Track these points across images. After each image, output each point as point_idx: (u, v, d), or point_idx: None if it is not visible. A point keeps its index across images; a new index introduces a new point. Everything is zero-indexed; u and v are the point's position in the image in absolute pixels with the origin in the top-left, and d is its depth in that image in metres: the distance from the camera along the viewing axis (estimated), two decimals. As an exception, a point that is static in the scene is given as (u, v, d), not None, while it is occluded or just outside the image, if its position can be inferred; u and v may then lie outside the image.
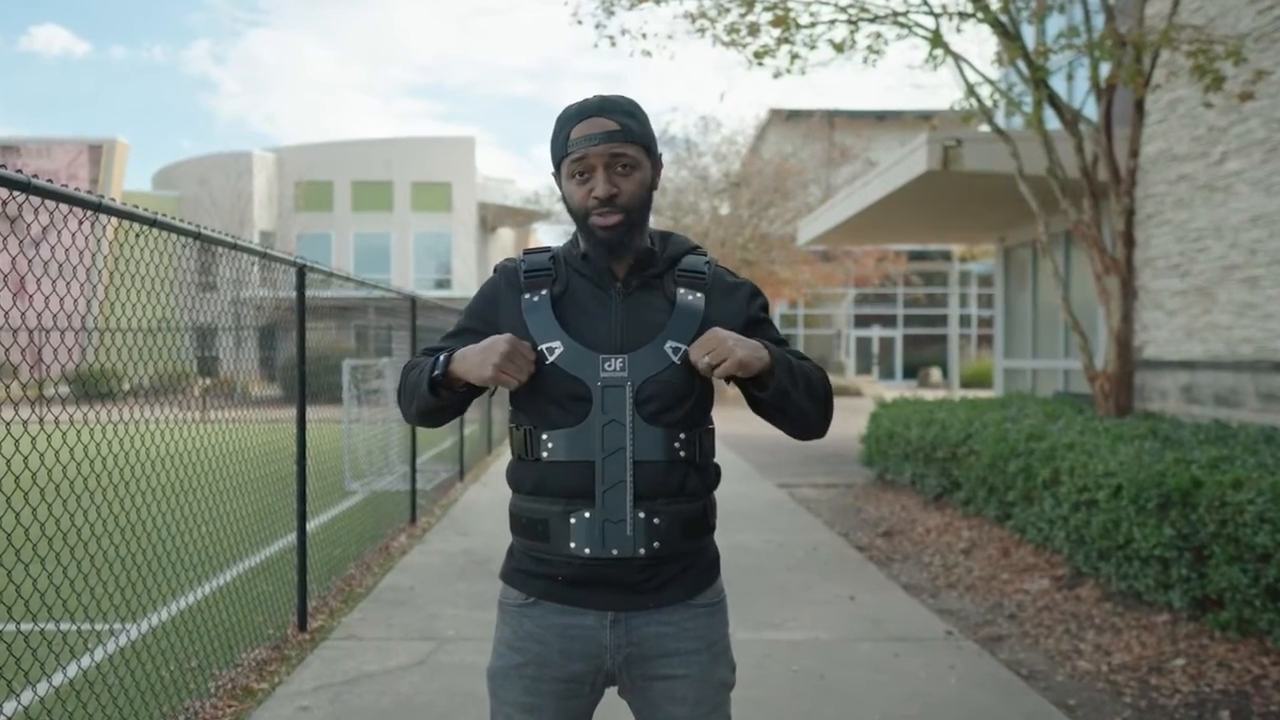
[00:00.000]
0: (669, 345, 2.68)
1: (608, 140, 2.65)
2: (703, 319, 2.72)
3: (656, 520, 2.65)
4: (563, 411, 2.68)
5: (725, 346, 2.58)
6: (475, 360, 2.61)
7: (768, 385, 2.65)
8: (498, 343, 2.60)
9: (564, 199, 2.76)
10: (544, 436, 2.69)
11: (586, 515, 2.64)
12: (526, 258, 2.85)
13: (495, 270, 2.91)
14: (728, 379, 2.64)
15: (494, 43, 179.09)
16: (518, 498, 2.79)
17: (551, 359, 2.67)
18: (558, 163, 2.76)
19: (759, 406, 2.77)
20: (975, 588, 8.88)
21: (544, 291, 2.76)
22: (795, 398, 2.70)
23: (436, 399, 2.72)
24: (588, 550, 2.65)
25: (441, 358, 2.70)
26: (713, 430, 2.81)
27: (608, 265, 2.75)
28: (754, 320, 2.81)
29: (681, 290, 2.75)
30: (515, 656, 2.77)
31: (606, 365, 2.66)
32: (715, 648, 2.80)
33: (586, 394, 2.66)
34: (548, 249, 2.89)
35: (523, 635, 2.76)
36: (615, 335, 2.71)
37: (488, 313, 2.82)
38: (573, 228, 2.84)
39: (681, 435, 2.69)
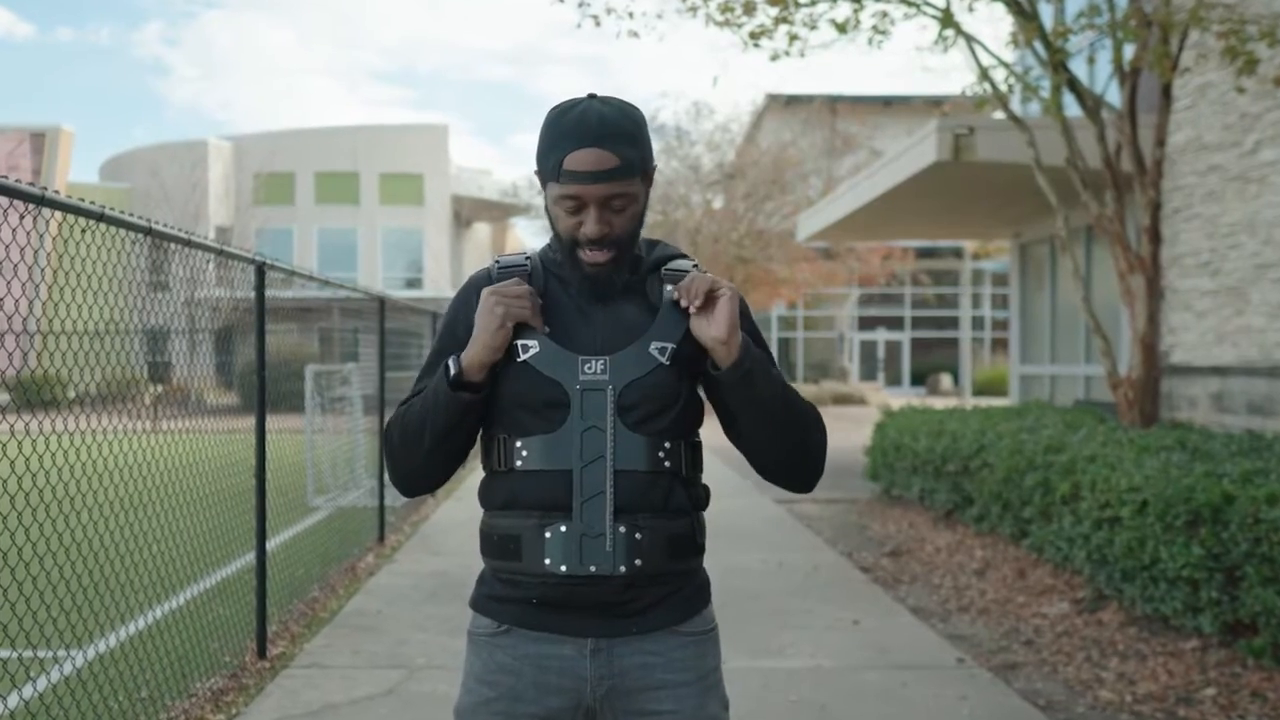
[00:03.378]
0: (654, 346, 2.68)
1: (606, 179, 2.60)
2: (689, 319, 2.70)
3: (638, 536, 2.63)
4: (538, 418, 2.67)
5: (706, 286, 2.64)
6: (481, 330, 2.64)
7: (733, 368, 2.65)
8: (484, 304, 2.64)
9: (547, 210, 2.73)
10: (518, 444, 2.68)
11: (563, 529, 2.63)
12: (501, 258, 2.85)
13: (467, 283, 2.88)
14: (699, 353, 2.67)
15: (467, 24, 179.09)
16: (488, 515, 2.78)
17: (525, 357, 2.66)
18: (544, 180, 2.70)
19: (725, 416, 2.76)
20: (989, 611, 8.90)
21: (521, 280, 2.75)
22: (763, 394, 2.67)
23: (460, 405, 2.66)
24: (563, 568, 2.63)
25: (450, 360, 2.67)
26: (700, 444, 2.80)
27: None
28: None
29: (669, 288, 2.73)
30: (486, 691, 2.75)
31: (586, 367, 2.65)
32: (706, 680, 2.78)
33: (564, 399, 2.65)
34: (524, 252, 2.89)
35: (494, 667, 2.75)
36: (595, 336, 2.70)
37: (464, 332, 2.75)
38: None
39: (666, 444, 2.68)
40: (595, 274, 2.68)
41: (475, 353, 2.63)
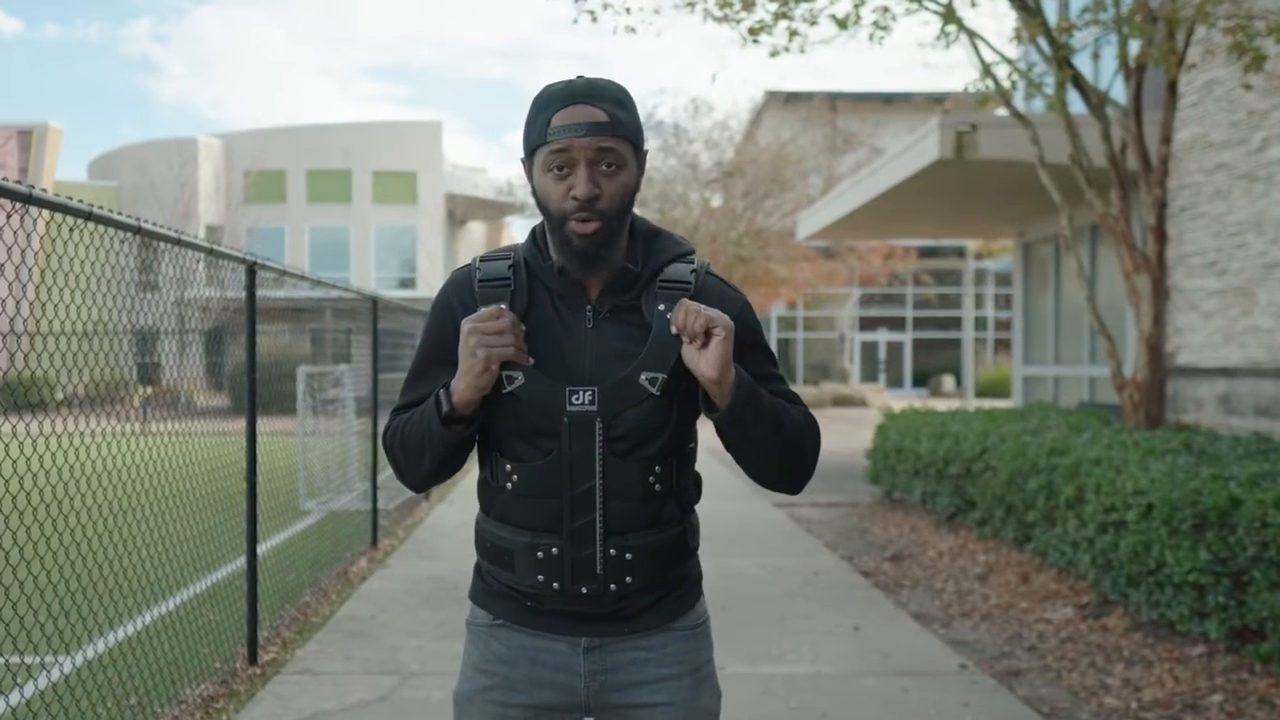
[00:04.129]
0: (644, 377, 2.63)
1: (595, 132, 2.56)
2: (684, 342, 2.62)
3: (629, 556, 2.65)
4: (528, 445, 2.66)
5: (703, 320, 2.51)
6: (465, 372, 2.56)
7: (720, 408, 2.60)
8: (465, 344, 2.53)
9: (535, 193, 2.67)
10: (508, 467, 2.69)
11: (554, 551, 2.65)
12: (483, 265, 2.77)
13: (447, 283, 2.82)
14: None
15: (462, 20, 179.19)
16: (484, 519, 2.79)
17: (510, 389, 2.62)
18: (531, 150, 2.65)
19: (719, 431, 2.73)
20: (992, 617, 8.90)
21: (503, 307, 2.65)
22: (755, 434, 2.65)
23: (455, 437, 2.64)
24: (556, 585, 2.66)
25: (442, 394, 2.62)
26: (694, 448, 2.80)
27: (581, 280, 2.69)
28: (742, 345, 2.69)
29: (661, 308, 2.66)
30: (483, 679, 2.78)
31: (574, 398, 2.62)
32: (699, 673, 2.81)
33: (552, 429, 2.63)
34: (508, 253, 2.80)
35: (490, 656, 2.78)
36: (585, 363, 2.66)
37: (449, 338, 2.71)
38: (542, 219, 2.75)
39: (657, 468, 2.68)
40: (584, 248, 2.60)
41: (462, 391, 2.58)
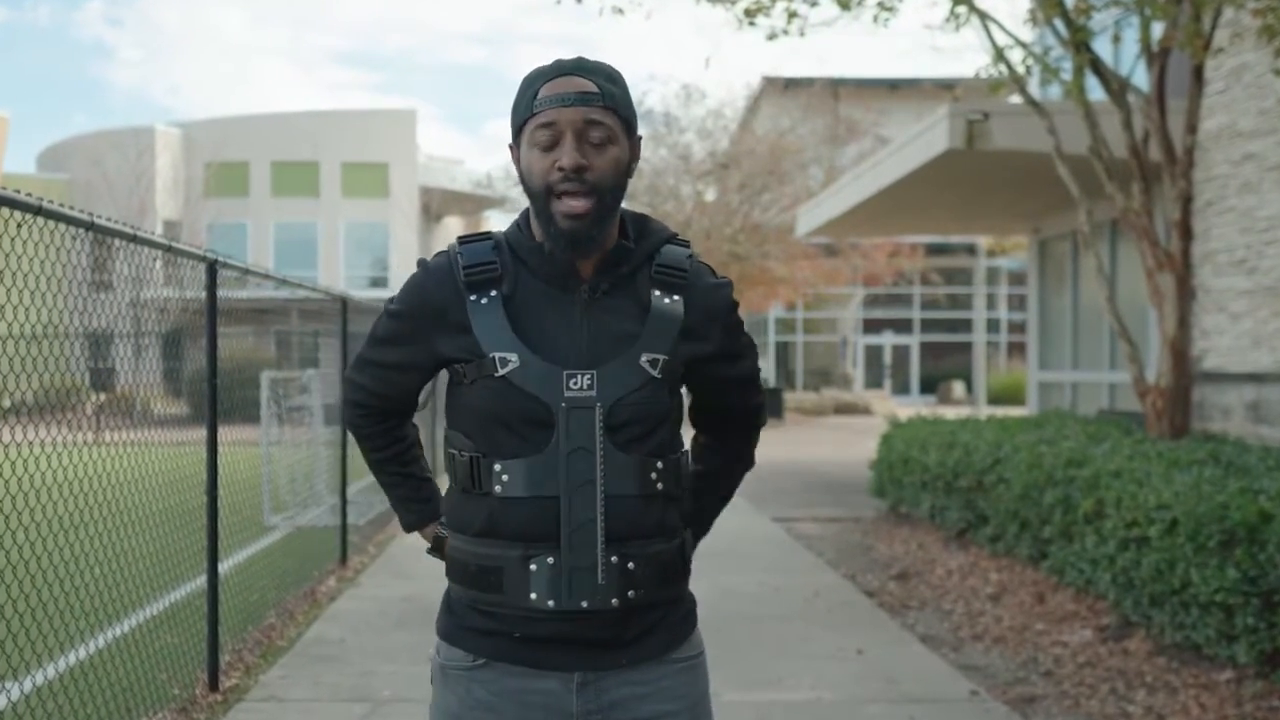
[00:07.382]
0: (645, 358, 2.65)
1: (583, 103, 2.60)
2: (682, 326, 2.70)
3: (631, 565, 2.63)
4: (518, 438, 2.64)
5: None
6: None
7: None
8: None
9: (521, 176, 2.69)
10: (496, 467, 2.65)
11: (550, 561, 2.61)
12: (464, 249, 2.75)
13: (420, 268, 2.81)
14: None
15: (436, 2, 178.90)
16: (461, 540, 2.75)
17: (503, 372, 2.62)
18: (519, 127, 2.68)
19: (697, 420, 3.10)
20: (1005, 640, 8.90)
21: (493, 292, 2.68)
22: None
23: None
24: (551, 603, 2.61)
25: (427, 535, 3.02)
26: (686, 454, 2.81)
27: (570, 262, 2.69)
28: (730, 328, 2.85)
29: (657, 293, 2.70)
30: None
31: (572, 383, 2.61)
32: (696, 709, 2.79)
33: (548, 418, 2.61)
34: (488, 235, 2.80)
35: (471, 704, 2.73)
36: (580, 347, 2.65)
37: (420, 328, 2.76)
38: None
39: (658, 465, 2.67)
40: (572, 230, 2.61)
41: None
